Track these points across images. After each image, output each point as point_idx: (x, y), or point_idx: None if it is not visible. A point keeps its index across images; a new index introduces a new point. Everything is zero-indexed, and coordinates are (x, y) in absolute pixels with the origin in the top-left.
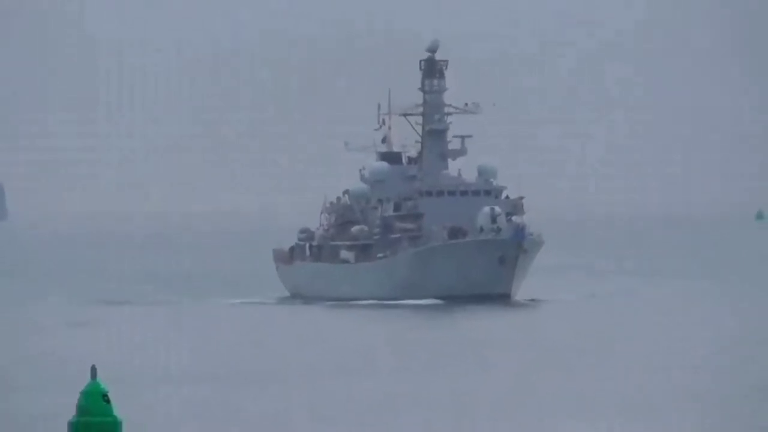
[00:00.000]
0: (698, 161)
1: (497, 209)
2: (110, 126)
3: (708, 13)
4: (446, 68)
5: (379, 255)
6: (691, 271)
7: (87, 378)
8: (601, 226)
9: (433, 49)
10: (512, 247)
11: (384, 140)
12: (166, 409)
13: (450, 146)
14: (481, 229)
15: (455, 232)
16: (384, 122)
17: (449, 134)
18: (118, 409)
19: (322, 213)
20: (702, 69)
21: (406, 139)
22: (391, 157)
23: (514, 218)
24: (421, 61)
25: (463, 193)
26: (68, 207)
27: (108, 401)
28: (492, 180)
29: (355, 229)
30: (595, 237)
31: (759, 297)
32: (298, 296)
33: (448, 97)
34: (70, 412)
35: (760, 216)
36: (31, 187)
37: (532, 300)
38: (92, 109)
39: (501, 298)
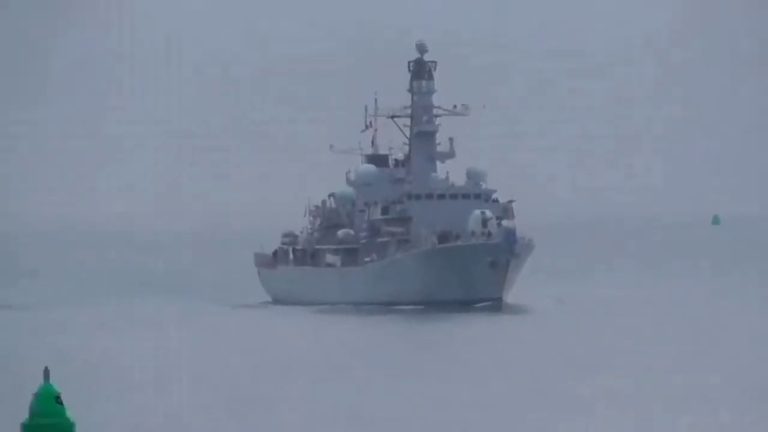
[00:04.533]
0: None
1: (488, 213)
2: (89, 121)
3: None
4: (435, 69)
5: (366, 259)
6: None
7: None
8: (586, 228)
9: (421, 50)
10: (504, 252)
11: (372, 142)
12: (124, 412)
13: (439, 149)
14: (472, 233)
15: (445, 236)
16: (371, 124)
17: (438, 136)
18: (73, 412)
19: (304, 216)
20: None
21: (392, 141)
22: (378, 160)
23: (504, 222)
24: (409, 62)
25: (453, 196)
26: (40, 208)
27: (61, 403)
28: (481, 183)
29: (341, 232)
30: (583, 240)
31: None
32: (281, 302)
33: (436, 99)
34: (23, 414)
35: (716, 221)
36: None
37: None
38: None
39: (492, 302)
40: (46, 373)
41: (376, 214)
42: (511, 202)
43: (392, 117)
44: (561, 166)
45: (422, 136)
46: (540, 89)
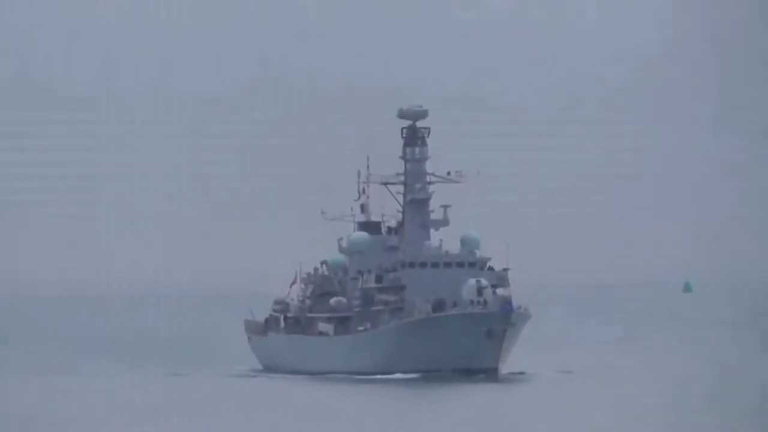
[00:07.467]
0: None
1: (483, 281)
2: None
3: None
4: (428, 136)
5: (360, 328)
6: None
7: None
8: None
9: (414, 117)
10: (500, 321)
11: (362, 209)
12: None
13: (432, 216)
14: (471, 302)
15: (440, 305)
16: (363, 191)
17: (432, 204)
18: None
19: (292, 284)
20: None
21: (385, 208)
22: (371, 227)
23: (499, 290)
24: (402, 128)
25: (447, 264)
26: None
27: None
28: (476, 251)
29: (333, 300)
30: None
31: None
32: (272, 369)
33: (430, 166)
34: None
35: (687, 288)
36: None
37: (521, 373)
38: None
39: (488, 372)
40: None
41: (370, 283)
42: (506, 270)
43: (385, 184)
44: (556, 233)
45: (415, 204)
46: (535, 153)
